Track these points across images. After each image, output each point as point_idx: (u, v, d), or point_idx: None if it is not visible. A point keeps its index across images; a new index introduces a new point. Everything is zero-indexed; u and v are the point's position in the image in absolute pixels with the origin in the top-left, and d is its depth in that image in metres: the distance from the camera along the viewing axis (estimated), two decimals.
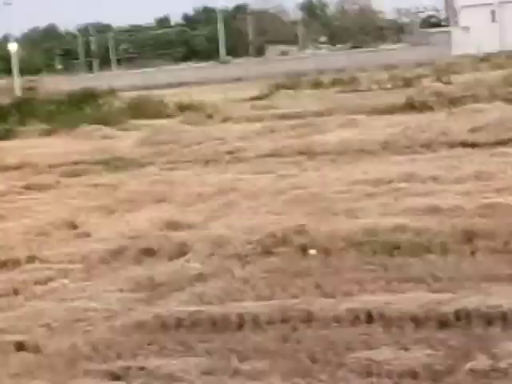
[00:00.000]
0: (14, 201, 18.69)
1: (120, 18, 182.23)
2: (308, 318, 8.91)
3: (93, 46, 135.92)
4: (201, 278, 11.03)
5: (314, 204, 15.18)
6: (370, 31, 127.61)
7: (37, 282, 11.43)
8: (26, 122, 39.04)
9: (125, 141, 29.50)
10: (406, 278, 10.14)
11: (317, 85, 53.55)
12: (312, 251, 11.90)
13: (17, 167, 24.57)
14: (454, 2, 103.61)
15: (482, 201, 14.04)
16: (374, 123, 27.94)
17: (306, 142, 24.39)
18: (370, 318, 8.75)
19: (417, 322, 8.51)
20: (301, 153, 22.68)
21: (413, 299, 8.99)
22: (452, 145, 21.68)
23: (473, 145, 21.37)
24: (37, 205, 17.80)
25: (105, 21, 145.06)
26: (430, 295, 9.14)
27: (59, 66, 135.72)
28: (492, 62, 61.82)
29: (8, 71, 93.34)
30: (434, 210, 13.61)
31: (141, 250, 12.68)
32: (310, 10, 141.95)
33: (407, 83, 45.89)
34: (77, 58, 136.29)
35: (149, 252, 12.61)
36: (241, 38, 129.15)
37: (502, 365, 7.13)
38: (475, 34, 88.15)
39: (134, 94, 48.55)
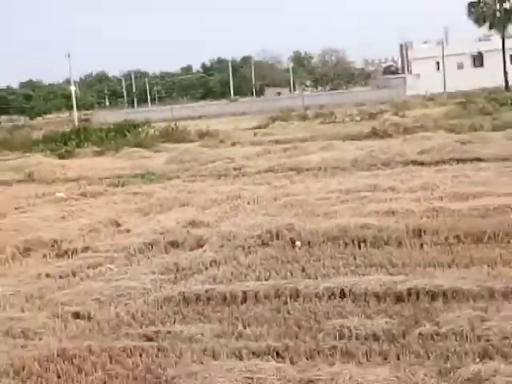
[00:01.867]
0: (72, 205, 18.85)
1: (154, 66, 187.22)
2: (295, 294, 9.49)
3: (133, 88, 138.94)
4: (214, 263, 11.53)
5: (301, 208, 15.55)
6: (344, 77, 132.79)
7: (89, 267, 11.90)
8: (82, 145, 39.48)
9: (157, 160, 29.75)
10: (370, 264, 10.72)
11: (303, 118, 54.99)
12: (298, 243, 12.35)
13: (75, 179, 24.99)
14: (408, 55, 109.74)
15: (428, 205, 14.45)
16: (347, 147, 28.30)
17: (294, 161, 24.82)
18: (342, 294, 9.33)
19: (378, 297, 9.11)
20: (290, 169, 23.07)
21: (375, 280, 9.57)
22: (405, 163, 22.07)
23: (421, 163, 21.78)
24: (89, 208, 18.07)
25: (143, 68, 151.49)
26: (388, 277, 9.77)
27: (107, 103, 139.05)
28: (436, 101, 63.96)
29: (69, 107, 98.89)
30: (391, 213, 13.97)
31: (168, 243, 13.10)
32: (298, 61, 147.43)
33: (372, 116, 47.25)
34: (121, 97, 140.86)
35: (174, 244, 13.04)
36: (246, 82, 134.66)
37: (443, 330, 7.73)
38: (424, 79, 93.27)
39: (164, 124, 48.32)
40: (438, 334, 7.68)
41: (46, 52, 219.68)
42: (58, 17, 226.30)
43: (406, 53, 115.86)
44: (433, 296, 8.95)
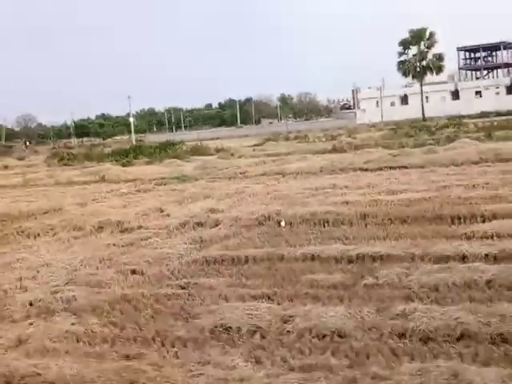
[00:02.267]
0: (131, 198, 18.77)
1: (186, 103, 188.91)
2: (281, 258, 9.40)
3: (172, 119, 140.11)
4: (226, 237, 11.44)
5: (285, 199, 15.40)
6: (314, 111, 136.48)
7: (142, 239, 11.81)
8: (137, 157, 39.36)
9: (188, 167, 29.53)
10: (331, 238, 10.61)
11: (287, 139, 54.94)
12: (282, 223, 12.29)
13: (133, 180, 24.89)
14: (357, 96, 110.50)
15: (370, 198, 14.33)
16: (316, 158, 28.07)
17: (281, 168, 24.65)
18: (313, 258, 9.22)
19: (336, 260, 9.00)
20: (278, 173, 22.91)
21: (334, 248, 9.47)
22: (355, 169, 21.87)
23: (366, 169, 21.62)
24: (142, 199, 17.94)
25: (179, 105, 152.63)
26: (343, 246, 9.65)
27: (155, 129, 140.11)
28: (376, 127, 64.26)
29: (129, 132, 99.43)
30: (346, 203, 13.82)
31: (195, 223, 12.96)
32: (283, 100, 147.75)
33: (333, 138, 47.59)
34: (164, 125, 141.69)
35: (200, 224, 12.89)
36: (248, 115, 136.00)
37: (380, 282, 7.68)
38: (368, 112, 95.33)
39: (193, 143, 48.55)
40: (377, 285, 7.61)
41: (112, 93, 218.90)
42: (120, 62, 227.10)
43: (356, 95, 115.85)
44: (373, 259, 8.86)
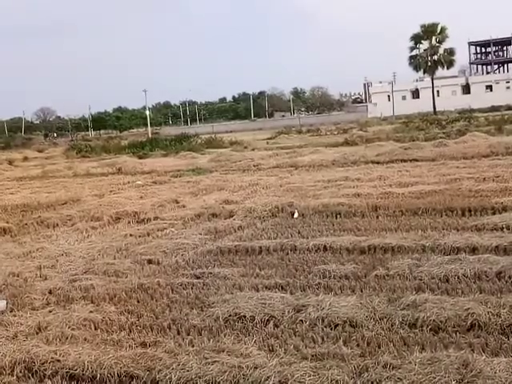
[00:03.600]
0: (147, 189, 18.76)
1: (201, 97, 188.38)
2: (294, 248, 9.38)
3: (187, 112, 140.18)
4: (240, 228, 11.48)
5: (297, 191, 15.48)
6: (326, 105, 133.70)
7: (158, 230, 11.87)
8: (153, 150, 39.57)
9: (203, 159, 29.75)
10: (343, 229, 10.59)
11: (299, 132, 54.77)
12: (296, 214, 12.29)
13: (149, 172, 25.03)
14: (369, 90, 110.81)
15: (382, 190, 14.39)
16: (328, 151, 28.22)
17: (293, 160, 24.73)
18: (325, 249, 9.19)
19: (348, 250, 8.99)
20: (291, 166, 22.98)
21: (346, 239, 9.47)
22: (367, 162, 21.95)
23: (377, 162, 21.66)
24: (158, 191, 17.92)
25: (194, 99, 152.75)
26: (355, 237, 9.63)
27: (170, 122, 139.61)
28: (387, 121, 64.39)
29: (145, 125, 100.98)
30: (358, 195, 13.88)
31: (210, 214, 13.02)
32: (296, 94, 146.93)
33: (344, 131, 47.48)
34: (180, 118, 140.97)
35: (214, 215, 12.95)
36: (261, 108, 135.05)
37: (391, 273, 7.64)
38: (379, 106, 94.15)
39: (207, 136, 48.42)
40: (387, 275, 7.58)
41: (129, 87, 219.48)
42: (137, 57, 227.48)
43: (368, 89, 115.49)
44: (385, 250, 8.82)
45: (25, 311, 7.28)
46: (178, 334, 6.25)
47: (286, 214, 12.51)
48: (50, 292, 8.02)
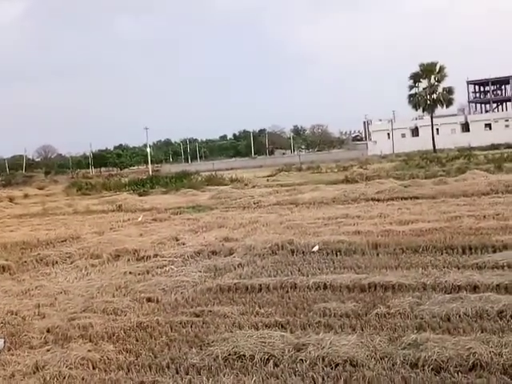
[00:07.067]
0: (147, 226, 18.82)
1: (201, 135, 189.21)
2: (294, 286, 9.35)
3: (188, 150, 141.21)
4: (240, 265, 11.44)
5: (297, 229, 15.44)
6: (326, 143, 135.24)
7: (158, 267, 11.87)
8: (154, 187, 39.61)
9: (203, 197, 29.76)
10: (343, 266, 10.58)
11: (299, 169, 55.04)
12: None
13: (149, 209, 24.99)
14: (369, 128, 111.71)
15: (382, 227, 14.38)
16: (328, 189, 28.17)
17: (293, 198, 24.79)
18: (325, 287, 9.15)
19: (348, 288, 8.95)
20: (291, 203, 23.04)
21: (347, 277, 9.44)
22: (367, 199, 22.08)
23: (377, 200, 21.77)
24: (158, 228, 18.01)
25: (194, 137, 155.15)
26: (355, 275, 9.60)
27: (171, 159, 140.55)
28: (387, 158, 64.68)
29: (146, 162, 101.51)
30: (358, 232, 13.87)
31: (210, 252, 13.05)
32: (296, 132, 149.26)
33: (345, 169, 47.59)
34: (180, 155, 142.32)
35: (214, 253, 12.96)
36: (262, 146, 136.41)
37: (392, 311, 7.57)
38: (379, 144, 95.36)
39: (208, 173, 48.54)
40: (388, 314, 7.55)
41: (130, 125, 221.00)
42: (138, 96, 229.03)
43: (368, 127, 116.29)
44: (385, 288, 8.80)
45: (22, 350, 7.23)
46: (177, 373, 6.20)
47: (286, 251, 12.45)
48: (48, 331, 7.97)
